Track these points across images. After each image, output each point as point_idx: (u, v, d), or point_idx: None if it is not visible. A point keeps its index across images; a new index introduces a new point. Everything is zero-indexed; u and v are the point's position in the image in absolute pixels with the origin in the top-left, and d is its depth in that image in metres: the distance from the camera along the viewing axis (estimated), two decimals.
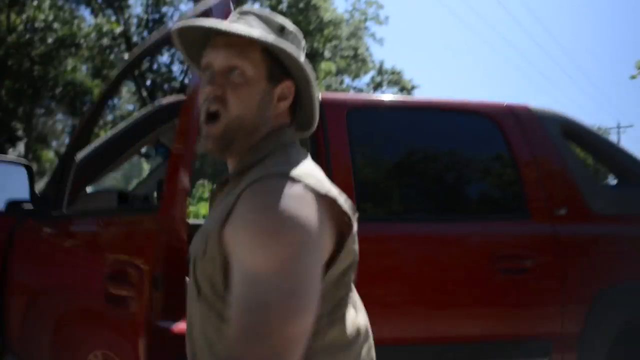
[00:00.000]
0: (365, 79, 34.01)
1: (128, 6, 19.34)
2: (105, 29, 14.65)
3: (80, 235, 2.23)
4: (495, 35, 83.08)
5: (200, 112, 0.97)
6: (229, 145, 0.97)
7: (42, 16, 13.69)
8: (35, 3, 14.02)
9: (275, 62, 0.97)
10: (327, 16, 23.28)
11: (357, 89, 27.99)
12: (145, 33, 21.16)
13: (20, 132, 17.71)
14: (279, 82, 0.98)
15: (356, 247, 0.98)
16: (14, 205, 2.26)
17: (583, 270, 2.23)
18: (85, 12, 18.37)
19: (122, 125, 2.81)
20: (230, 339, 0.79)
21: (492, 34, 79.38)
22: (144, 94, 19.39)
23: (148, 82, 20.48)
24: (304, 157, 0.99)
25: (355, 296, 1.03)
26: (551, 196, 2.28)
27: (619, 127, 42.15)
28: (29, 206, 2.28)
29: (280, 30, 0.99)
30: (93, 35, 14.52)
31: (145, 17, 21.38)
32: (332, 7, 24.55)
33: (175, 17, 23.17)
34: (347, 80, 28.06)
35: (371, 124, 2.33)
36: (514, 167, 2.33)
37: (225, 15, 1.60)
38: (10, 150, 18.68)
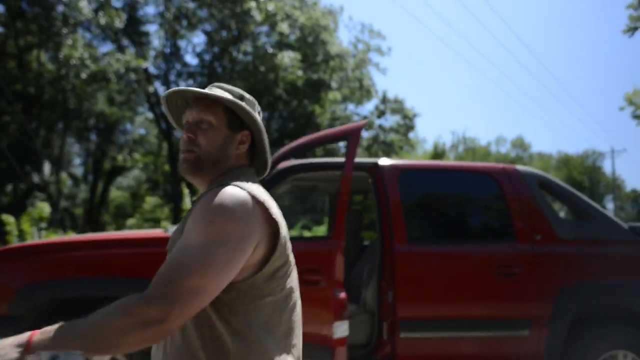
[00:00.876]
0: (369, 106, 35.36)
1: (149, 42, 20.75)
2: (133, 64, 15.97)
3: None
4: (492, 68, 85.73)
5: (180, 150, 1.31)
6: (198, 169, 1.30)
7: (77, 54, 14.98)
8: (69, 42, 15.35)
9: (235, 117, 1.32)
10: (333, 50, 24.61)
11: (361, 115, 29.37)
12: (162, 65, 22.62)
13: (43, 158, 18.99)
14: (238, 130, 1.33)
15: (291, 256, 1.29)
16: None
17: (551, 275, 3.47)
18: (106, 47, 19.87)
19: None
20: (152, 281, 1.10)
21: (489, 66, 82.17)
22: (163, 125, 20.73)
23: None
24: (255, 183, 1.28)
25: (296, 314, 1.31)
26: (530, 227, 3.54)
27: (612, 151, 43.63)
28: None
29: (240, 97, 1.34)
30: (121, 70, 15.83)
31: (162, 50, 22.87)
32: (338, 40, 25.96)
33: (189, 49, 24.61)
34: (350, 106, 29.46)
35: (414, 180, 3.61)
36: (506, 207, 3.60)
37: (357, 139, 2.84)
38: (35, 174, 19.92)
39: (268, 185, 3.53)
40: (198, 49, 25.18)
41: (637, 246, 3.66)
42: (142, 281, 2.66)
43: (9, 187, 21.23)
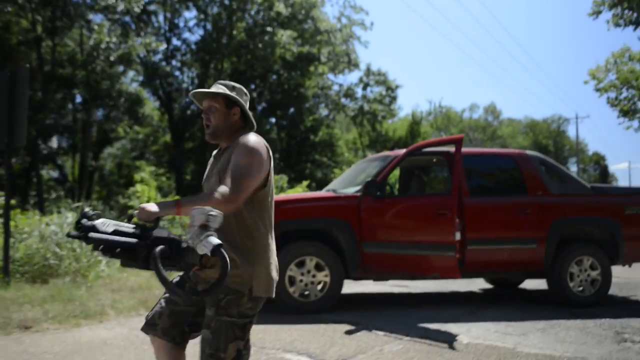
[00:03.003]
0: (351, 77, 37.85)
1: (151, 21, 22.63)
2: (153, 46, 18.08)
3: (392, 206, 6.08)
4: (465, 40, 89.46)
5: (205, 126, 2.35)
6: (216, 137, 2.33)
7: (106, 39, 17.06)
8: (97, 28, 17.37)
9: (230, 101, 2.32)
10: (322, 25, 26.88)
11: (344, 85, 31.95)
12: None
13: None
14: (232, 108, 2.33)
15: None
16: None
17: (547, 214, 6.29)
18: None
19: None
20: (225, 180, 2.10)
21: (463, 38, 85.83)
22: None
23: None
24: (255, 134, 2.31)
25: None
26: (535, 187, 6.37)
27: (577, 117, 47.48)
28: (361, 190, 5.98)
29: (232, 89, 2.33)
30: (143, 52, 17.94)
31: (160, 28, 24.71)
32: (325, 16, 28.22)
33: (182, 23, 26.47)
34: (330, 76, 31.95)
35: (469, 161, 6.35)
36: (521, 176, 6.42)
37: (461, 144, 5.54)
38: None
39: (410, 161, 6.09)
40: (190, 24, 27.08)
41: (594, 198, 6.57)
42: (330, 221, 5.37)
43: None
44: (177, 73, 25.90)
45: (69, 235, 1.81)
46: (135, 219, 1.98)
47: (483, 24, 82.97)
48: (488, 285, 8.09)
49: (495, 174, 6.71)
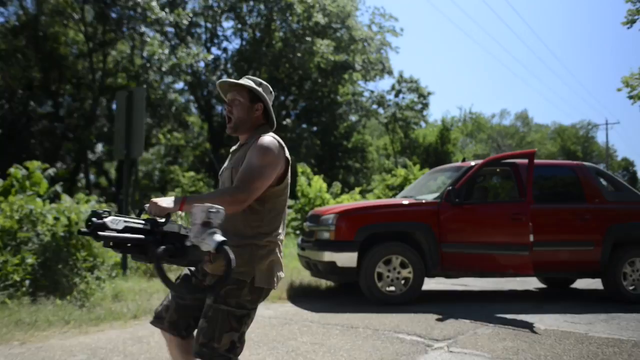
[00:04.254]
0: (382, 84, 38.69)
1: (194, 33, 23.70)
2: (201, 56, 19.15)
3: (469, 211, 6.91)
4: (495, 45, 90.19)
5: (226, 116, 2.45)
6: (238, 129, 2.40)
7: (160, 51, 18.15)
8: (149, 40, 18.47)
9: (254, 96, 2.40)
10: (357, 34, 27.77)
11: (376, 92, 32.74)
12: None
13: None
14: (256, 103, 2.41)
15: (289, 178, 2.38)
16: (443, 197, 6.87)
17: (603, 220, 7.09)
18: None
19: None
20: (237, 179, 2.22)
21: (493, 44, 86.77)
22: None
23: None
24: (273, 134, 2.39)
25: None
26: (592, 195, 7.17)
27: (607, 123, 47.70)
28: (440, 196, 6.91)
29: (259, 84, 2.42)
30: (191, 62, 19.01)
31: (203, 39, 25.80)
32: (360, 25, 29.10)
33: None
34: (361, 82, 32.80)
35: (536, 170, 7.18)
36: (580, 185, 7.22)
37: (534, 157, 6.38)
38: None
39: (481, 169, 6.93)
40: (228, 33, 28.16)
41: None
42: (412, 224, 6.25)
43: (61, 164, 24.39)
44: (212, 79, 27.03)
45: (79, 232, 1.86)
46: (146, 214, 2.05)
47: (514, 29, 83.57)
48: (542, 285, 8.87)
49: (557, 183, 7.52)
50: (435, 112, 70.28)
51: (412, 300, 6.55)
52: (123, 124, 7.13)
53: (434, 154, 37.01)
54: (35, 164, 8.09)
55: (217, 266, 2.21)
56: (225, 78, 27.53)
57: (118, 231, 1.88)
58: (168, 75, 19.06)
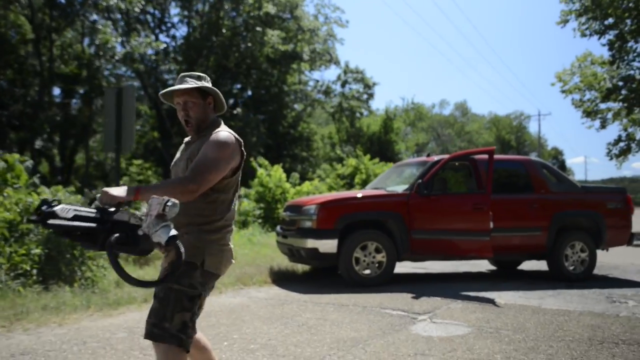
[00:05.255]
0: (328, 74, 39.68)
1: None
2: (153, 45, 19.30)
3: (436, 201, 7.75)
4: (437, 38, 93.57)
5: (182, 120, 2.51)
6: (199, 129, 2.48)
7: (112, 39, 18.19)
8: (103, 29, 18.49)
9: (203, 92, 2.48)
10: (305, 25, 28.39)
11: (322, 81, 33.49)
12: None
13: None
14: (206, 97, 2.50)
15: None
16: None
17: (550, 208, 8.13)
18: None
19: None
20: (189, 170, 2.29)
21: (434, 36, 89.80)
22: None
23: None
24: (227, 128, 2.49)
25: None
26: (539, 186, 8.21)
27: (539, 114, 50.48)
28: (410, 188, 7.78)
29: (198, 77, 2.50)
30: (145, 51, 19.14)
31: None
32: (307, 15, 29.72)
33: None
34: (307, 72, 33.53)
35: (486, 165, 8.14)
36: (529, 177, 8.24)
37: (493, 153, 7.29)
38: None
39: (446, 164, 7.81)
40: (175, 20, 28.15)
41: (584, 195, 8.45)
42: (385, 213, 7.09)
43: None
44: (162, 68, 26.99)
45: (29, 220, 1.91)
46: (97, 203, 2.05)
47: (455, 22, 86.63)
48: (492, 267, 9.92)
49: (508, 176, 8.51)
50: (380, 102, 72.67)
51: (386, 281, 7.36)
52: (113, 119, 7.55)
53: (377, 143, 38.25)
54: (15, 157, 8.38)
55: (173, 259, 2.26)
56: (173, 67, 27.70)
57: (68, 219, 1.90)
58: (120, 64, 19.07)
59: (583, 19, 23.19)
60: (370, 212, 7.53)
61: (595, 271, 8.73)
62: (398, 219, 7.44)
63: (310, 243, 7.26)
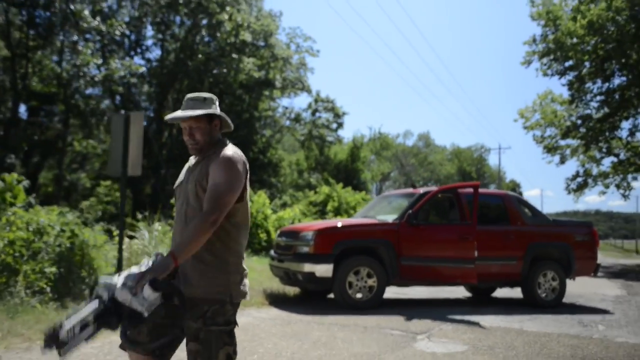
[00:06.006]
0: (299, 101, 40.31)
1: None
2: (133, 69, 19.66)
3: (424, 231, 8.35)
4: (405, 69, 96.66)
5: (187, 143, 2.51)
6: (203, 152, 2.49)
7: (94, 61, 18.48)
8: (83, 49, 18.78)
9: (209, 116, 2.48)
10: (279, 53, 29.14)
11: (291, 108, 34.16)
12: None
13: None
14: (212, 121, 2.50)
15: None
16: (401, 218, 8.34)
17: (524, 238, 8.86)
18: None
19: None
20: (205, 201, 2.32)
21: (403, 68, 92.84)
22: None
23: None
24: (233, 146, 2.49)
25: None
26: (515, 218, 8.95)
27: (500, 148, 52.31)
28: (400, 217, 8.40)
29: (204, 100, 2.50)
30: (124, 73, 19.47)
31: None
32: (281, 43, 30.51)
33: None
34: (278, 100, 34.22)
35: (471, 197, 8.83)
36: (506, 210, 8.98)
37: (478, 188, 8.00)
38: None
39: (435, 198, 8.48)
40: (149, 42, 28.50)
41: (555, 228, 9.23)
42: (377, 241, 7.68)
43: None
44: (134, 90, 27.23)
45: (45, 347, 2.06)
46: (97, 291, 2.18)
47: (422, 54, 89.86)
48: (468, 294, 10.58)
49: (487, 208, 9.23)
50: (348, 132, 74.84)
51: (376, 305, 7.90)
52: (120, 144, 7.93)
53: (344, 171, 39.01)
54: (14, 176, 8.67)
55: (194, 290, 2.37)
56: (147, 89, 27.97)
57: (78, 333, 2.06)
58: (99, 85, 19.32)
59: (545, 60, 24.66)
60: (363, 239, 8.10)
61: (563, 299, 9.48)
62: (389, 246, 8.02)
63: (308, 267, 7.75)
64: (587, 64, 23.15)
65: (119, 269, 8.03)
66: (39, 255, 6.85)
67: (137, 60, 27.08)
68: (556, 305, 8.85)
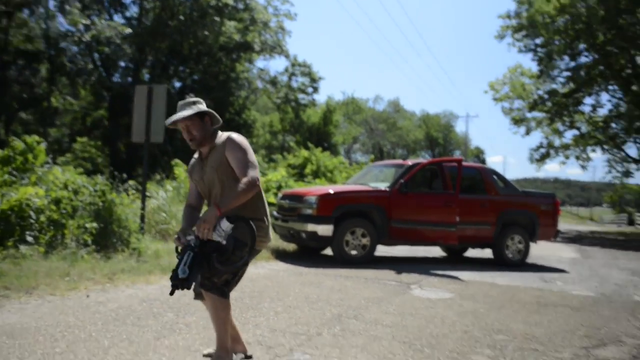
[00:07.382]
0: (275, 64, 40.88)
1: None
2: (119, 29, 20.10)
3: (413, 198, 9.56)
4: (380, 36, 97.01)
5: (187, 140, 3.18)
6: (202, 144, 3.17)
7: (83, 21, 18.90)
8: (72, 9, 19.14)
9: (201, 113, 3.15)
10: (259, 16, 29.62)
11: (267, 71, 34.79)
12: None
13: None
14: (203, 117, 3.18)
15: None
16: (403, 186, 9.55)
17: (497, 206, 10.19)
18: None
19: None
20: (240, 175, 3.05)
21: (378, 34, 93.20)
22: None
23: None
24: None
25: None
26: (490, 189, 10.27)
27: (467, 115, 54.03)
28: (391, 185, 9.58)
29: (193, 103, 3.19)
30: (111, 34, 19.92)
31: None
32: (260, 7, 30.94)
33: None
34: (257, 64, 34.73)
35: (455, 170, 10.05)
36: (483, 182, 10.28)
37: (462, 163, 9.22)
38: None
39: (423, 169, 9.71)
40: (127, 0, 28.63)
41: (524, 198, 10.60)
42: (371, 205, 8.92)
43: None
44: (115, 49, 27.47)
45: (172, 293, 2.86)
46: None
47: (396, 18, 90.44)
48: (443, 254, 11.95)
49: (467, 179, 10.50)
50: (322, 96, 75.45)
51: (368, 261, 9.15)
52: (144, 113, 8.85)
53: (316, 133, 40.15)
54: (35, 138, 9.50)
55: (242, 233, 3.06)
56: (129, 50, 28.20)
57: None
58: (83, 45, 19.74)
59: (518, 35, 25.98)
60: (359, 204, 9.29)
61: (527, 260, 10.93)
62: (381, 210, 9.23)
63: (311, 227, 8.91)
64: (556, 41, 24.53)
65: (142, 222, 9.05)
66: (77, 213, 7.82)
67: (117, 18, 27.27)
68: (521, 264, 10.26)
